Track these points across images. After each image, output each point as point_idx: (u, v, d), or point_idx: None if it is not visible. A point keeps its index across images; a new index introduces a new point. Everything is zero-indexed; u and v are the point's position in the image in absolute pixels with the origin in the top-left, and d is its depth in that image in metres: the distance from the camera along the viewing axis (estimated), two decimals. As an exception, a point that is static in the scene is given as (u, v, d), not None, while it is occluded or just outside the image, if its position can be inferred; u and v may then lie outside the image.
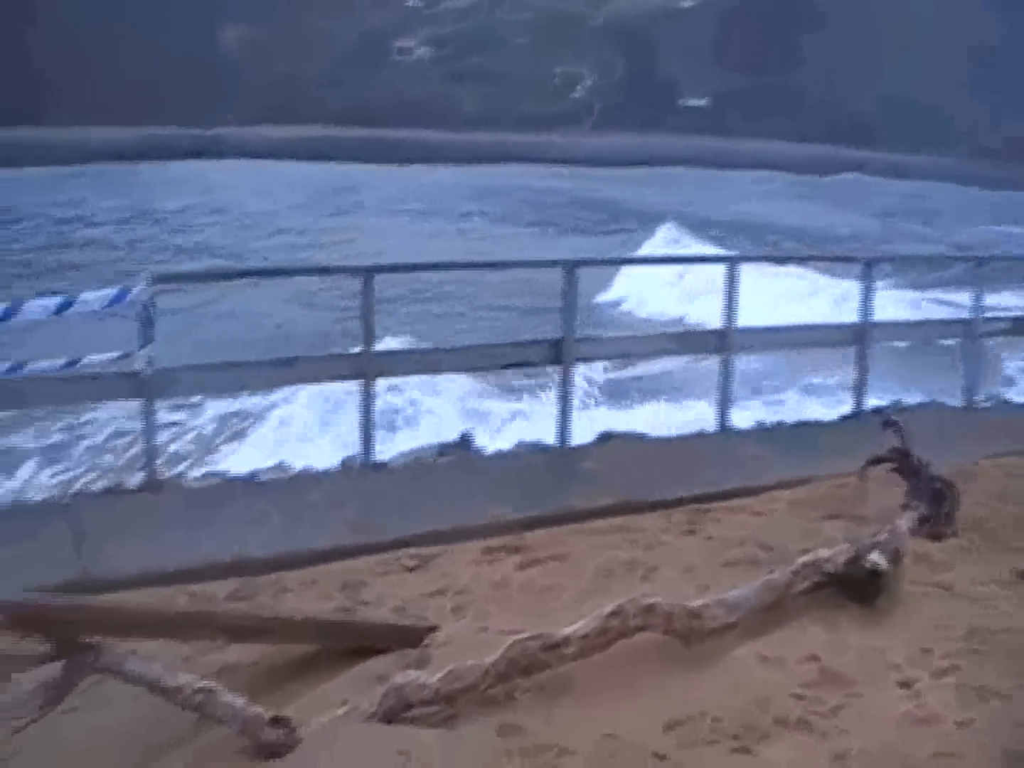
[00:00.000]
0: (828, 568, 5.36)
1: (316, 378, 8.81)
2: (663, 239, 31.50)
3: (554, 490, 7.59)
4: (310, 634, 4.91)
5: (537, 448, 9.21)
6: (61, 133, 63.48)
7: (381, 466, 8.43)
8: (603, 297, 23.48)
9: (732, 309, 9.55)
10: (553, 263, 9.18)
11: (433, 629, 5.12)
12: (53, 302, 7.83)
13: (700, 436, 9.70)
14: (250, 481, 8.18)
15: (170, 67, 76.24)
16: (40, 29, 73.87)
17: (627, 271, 23.61)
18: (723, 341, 9.69)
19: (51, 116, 67.10)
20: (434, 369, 9.50)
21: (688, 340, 10.14)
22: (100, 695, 4.57)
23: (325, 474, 8.35)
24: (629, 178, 59.16)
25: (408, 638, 5.03)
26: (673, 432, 10.14)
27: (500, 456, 9.00)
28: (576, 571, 6.00)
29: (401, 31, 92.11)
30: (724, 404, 9.73)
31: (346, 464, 8.62)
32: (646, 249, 28.98)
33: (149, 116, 68.47)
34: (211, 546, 6.30)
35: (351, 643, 4.97)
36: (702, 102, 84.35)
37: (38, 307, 7.83)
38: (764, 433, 9.80)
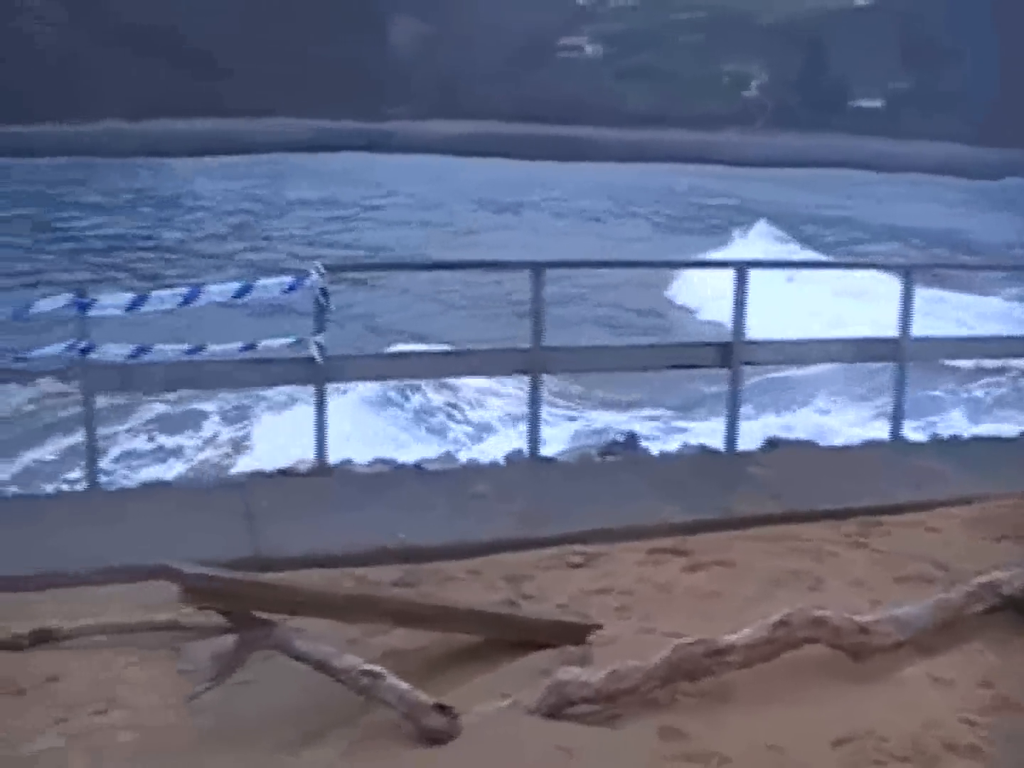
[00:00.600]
0: (1005, 591, 5.14)
1: (483, 371, 8.86)
2: (757, 239, 30.57)
3: (720, 494, 7.46)
4: (474, 624, 4.94)
5: (703, 451, 9.10)
6: (239, 124, 65.71)
7: (547, 461, 8.44)
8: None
9: (907, 318, 9.23)
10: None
11: (597, 627, 5.09)
12: (233, 287, 8.08)
13: (871, 446, 9.43)
14: (418, 469, 8.29)
15: (344, 61, 77.94)
16: (219, 23, 76.38)
17: (689, 274, 22.00)
18: (897, 350, 9.40)
19: (230, 107, 69.42)
20: (600, 367, 9.45)
21: (861, 347, 9.84)
22: (270, 670, 4.68)
23: (492, 466, 8.41)
24: (790, 179, 57.92)
25: (571, 635, 5.01)
26: (840, 439, 9.88)
27: (666, 458, 8.92)
28: (742, 578, 5.90)
29: (570, 28, 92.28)
30: (897, 414, 9.43)
31: (512, 457, 8.67)
32: (736, 250, 27.95)
33: (323, 109, 70.25)
34: (377, 532, 6.39)
35: (514, 636, 4.98)
36: (876, 103, 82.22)
37: (219, 291, 8.09)
38: (939, 446, 9.46)
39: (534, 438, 8.30)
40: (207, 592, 4.44)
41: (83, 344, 7.47)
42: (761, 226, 33.38)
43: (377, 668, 4.32)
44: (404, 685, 4.25)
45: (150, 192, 46.70)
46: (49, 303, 7.82)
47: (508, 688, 4.47)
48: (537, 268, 8.43)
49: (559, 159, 61.90)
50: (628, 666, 4.38)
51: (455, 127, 70.26)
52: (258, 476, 8.16)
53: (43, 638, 5.21)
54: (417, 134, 67.54)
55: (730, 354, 8.76)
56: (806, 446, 9.56)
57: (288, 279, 8.03)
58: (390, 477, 8.11)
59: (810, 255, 26.16)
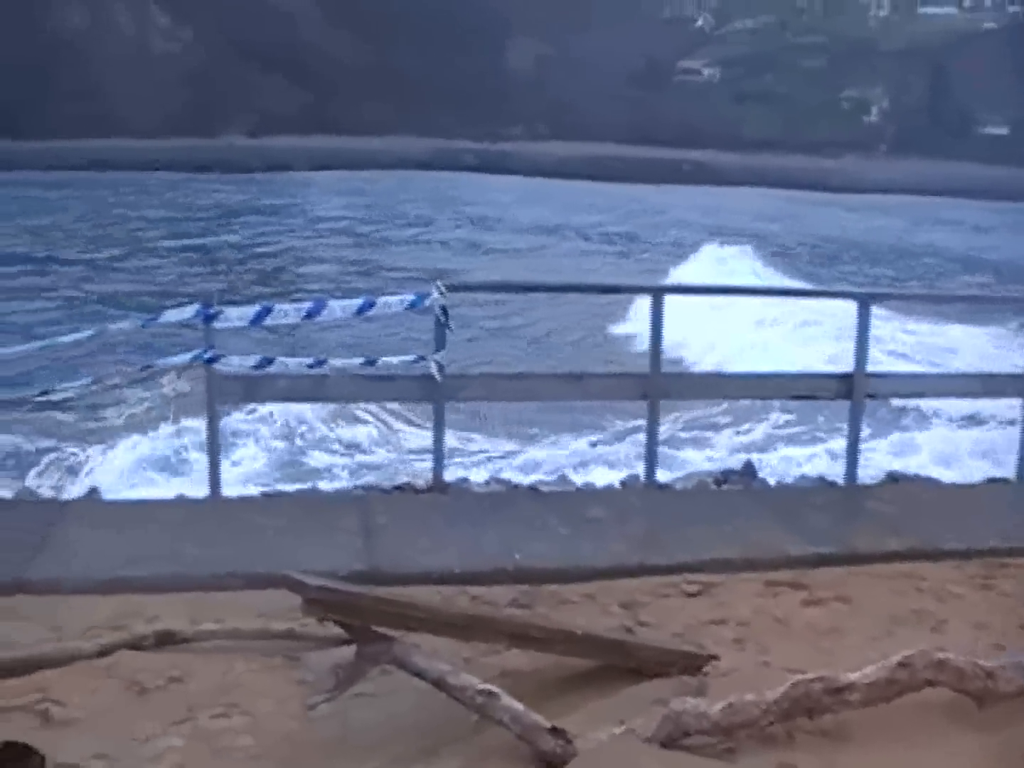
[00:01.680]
0: None
1: (601, 395, 8.84)
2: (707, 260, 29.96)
3: (840, 528, 7.32)
4: (590, 649, 4.92)
5: (822, 483, 8.95)
6: (358, 142, 66.83)
7: (663, 487, 8.39)
8: (618, 329, 21.52)
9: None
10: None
11: (713, 658, 5.04)
12: (356, 303, 8.21)
13: (995, 484, 9.17)
14: (533, 490, 8.31)
15: (462, 81, 78.73)
16: (339, 43, 77.74)
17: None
18: (1027, 387, 9.13)
19: (349, 125, 70.64)
20: (721, 395, 9.37)
21: (987, 383, 9.58)
22: (387, 684, 4.73)
23: (607, 490, 8.39)
24: (896, 207, 56.73)
25: (688, 665, 4.97)
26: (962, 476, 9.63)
27: (784, 488, 8.79)
28: (861, 615, 5.80)
29: (688, 52, 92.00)
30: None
31: (627, 482, 8.64)
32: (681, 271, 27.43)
33: (441, 128, 71.04)
34: (493, 551, 6.41)
35: (629, 663, 4.95)
36: (1002, 130, 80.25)
37: (342, 307, 8.22)
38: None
39: (651, 464, 8.25)
40: (328, 604, 4.51)
41: (209, 354, 7.66)
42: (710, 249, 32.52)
43: (493, 688, 4.34)
44: (519, 706, 4.26)
45: (268, 206, 47.78)
46: (177, 313, 8.04)
47: (623, 715, 4.45)
48: (657, 293, 8.40)
49: (674, 183, 61.67)
50: (745, 699, 4.32)
51: (570, 149, 70.47)
52: (376, 491, 8.26)
53: (166, 640, 5.33)
54: (532, 155, 67.90)
55: (852, 386, 8.60)
56: (927, 482, 9.34)
57: (410, 296, 8.12)
58: (505, 497, 8.14)
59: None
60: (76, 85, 73.35)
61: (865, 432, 9.16)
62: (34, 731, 4.49)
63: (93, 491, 8.78)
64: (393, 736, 4.54)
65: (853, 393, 8.59)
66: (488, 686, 4.34)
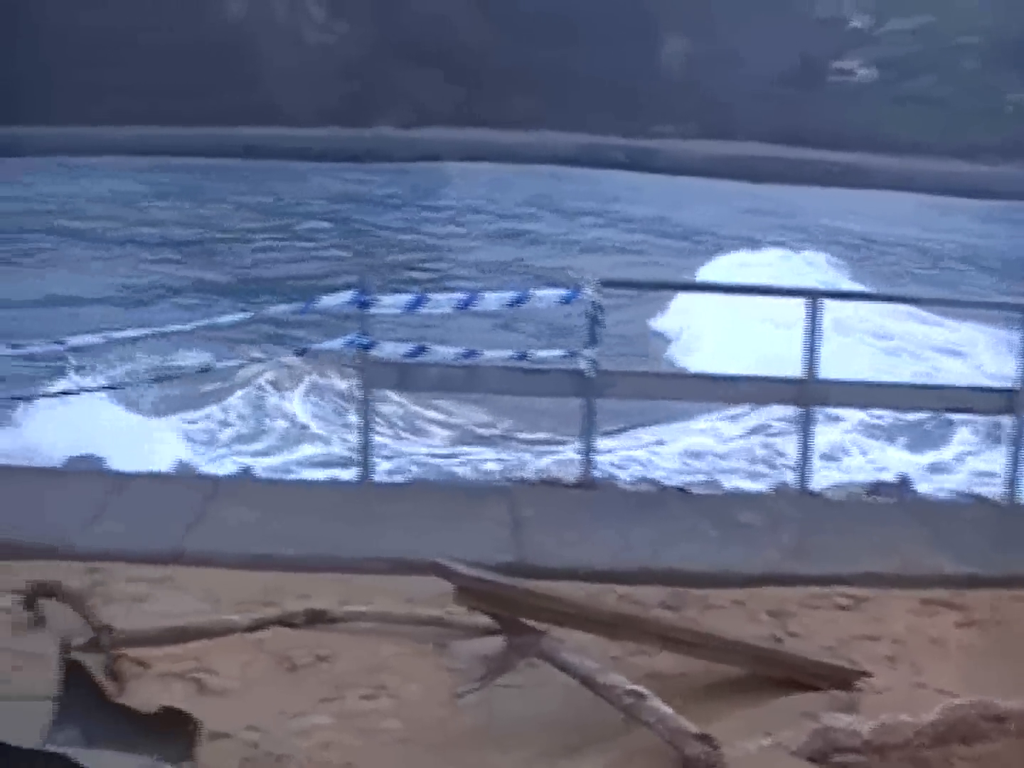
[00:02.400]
0: None
1: (752, 399, 8.70)
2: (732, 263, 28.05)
3: (999, 549, 7.05)
4: (740, 657, 4.84)
5: (980, 501, 8.65)
6: (507, 135, 67.21)
7: (816, 495, 8.22)
8: (657, 324, 20.95)
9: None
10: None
11: (866, 675, 4.91)
12: (509, 295, 8.24)
13: None
14: (682, 492, 8.23)
15: (613, 77, 78.47)
16: (490, 37, 78.24)
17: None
18: None
19: (499, 118, 71.02)
20: (877, 403, 9.14)
21: None
22: (534, 677, 4.73)
23: (758, 495, 8.26)
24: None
25: (839, 680, 4.85)
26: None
27: (941, 504, 8.53)
28: (1021, 641, 5.58)
29: (842, 52, 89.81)
30: None
31: (780, 488, 8.49)
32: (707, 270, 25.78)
33: (590, 124, 70.95)
34: (641, 551, 6.36)
35: (779, 673, 4.86)
36: None
37: (496, 298, 8.26)
38: None
39: (804, 470, 8.08)
40: (479, 594, 4.53)
41: (364, 340, 7.77)
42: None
43: (641, 689, 4.30)
44: (667, 709, 4.21)
45: (418, 196, 48.39)
46: (333, 299, 8.18)
47: (771, 726, 4.37)
48: (814, 296, 8.22)
49: (823, 184, 60.37)
50: (899, 720, 4.21)
51: (718, 148, 69.55)
52: (523, 483, 8.29)
53: (316, 618, 5.42)
54: (681, 153, 67.24)
55: (1014, 401, 8.29)
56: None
57: (563, 291, 8.11)
58: (654, 497, 8.08)
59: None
60: (234, 74, 75.28)
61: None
62: (189, 698, 4.62)
63: (247, 470, 9.01)
64: (539, 730, 4.54)
65: (1016, 408, 8.28)
66: (636, 687, 4.30)
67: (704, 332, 18.53)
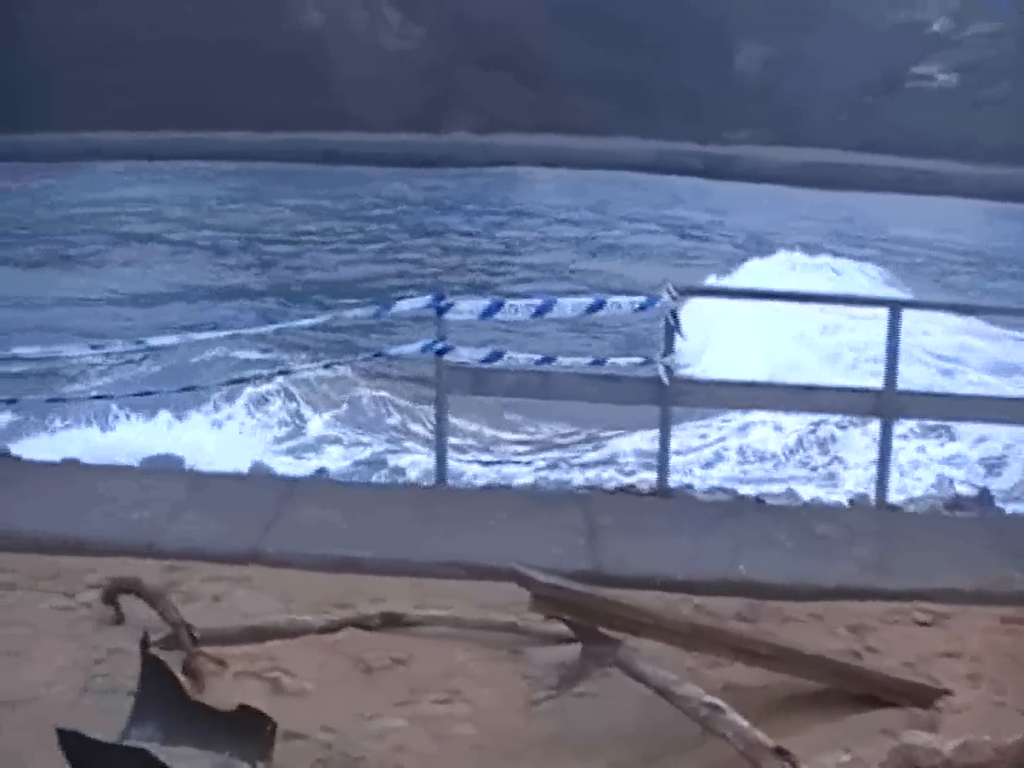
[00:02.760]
0: None
1: (830, 409, 8.58)
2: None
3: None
4: (818, 671, 4.78)
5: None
6: (582, 141, 67.17)
7: (894, 508, 8.09)
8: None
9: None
10: None
11: (946, 693, 4.82)
12: (586, 302, 8.21)
13: None
14: (759, 502, 8.13)
15: (688, 84, 78.08)
16: (566, 43, 78.31)
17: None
18: None
19: (573, 124, 71.02)
20: (958, 416, 8.97)
21: None
22: (609, 686, 4.70)
23: (836, 507, 8.15)
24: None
25: (919, 697, 4.77)
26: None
27: (1020, 519, 8.34)
28: (1104, 662, 5.44)
29: (922, 57, 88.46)
30: None
31: (856, 501, 8.37)
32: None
33: (665, 130, 70.67)
34: (718, 561, 6.30)
35: (857, 689, 4.79)
36: None
37: (572, 305, 8.24)
38: None
39: (882, 483, 7.95)
40: (556, 602, 4.52)
41: (440, 345, 7.79)
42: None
43: (718, 701, 4.25)
44: (744, 722, 4.16)
45: (493, 201, 48.54)
46: (409, 304, 8.23)
47: (849, 742, 4.30)
48: (895, 307, 8.09)
49: (901, 191, 59.44)
50: (981, 740, 4.11)
51: (795, 155, 68.76)
52: (599, 491, 8.25)
53: (392, 621, 5.45)
54: (757, 161, 66.59)
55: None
56: None
57: (640, 298, 8.06)
58: (730, 507, 7.99)
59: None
60: (311, 81, 76.14)
61: None
62: (266, 698, 4.66)
63: (322, 471, 9.08)
64: (614, 740, 4.52)
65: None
66: (713, 699, 4.26)
67: (713, 338, 18.34)
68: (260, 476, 8.47)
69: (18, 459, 8.70)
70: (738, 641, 4.75)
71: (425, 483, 8.24)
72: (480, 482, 9.30)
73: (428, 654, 5.19)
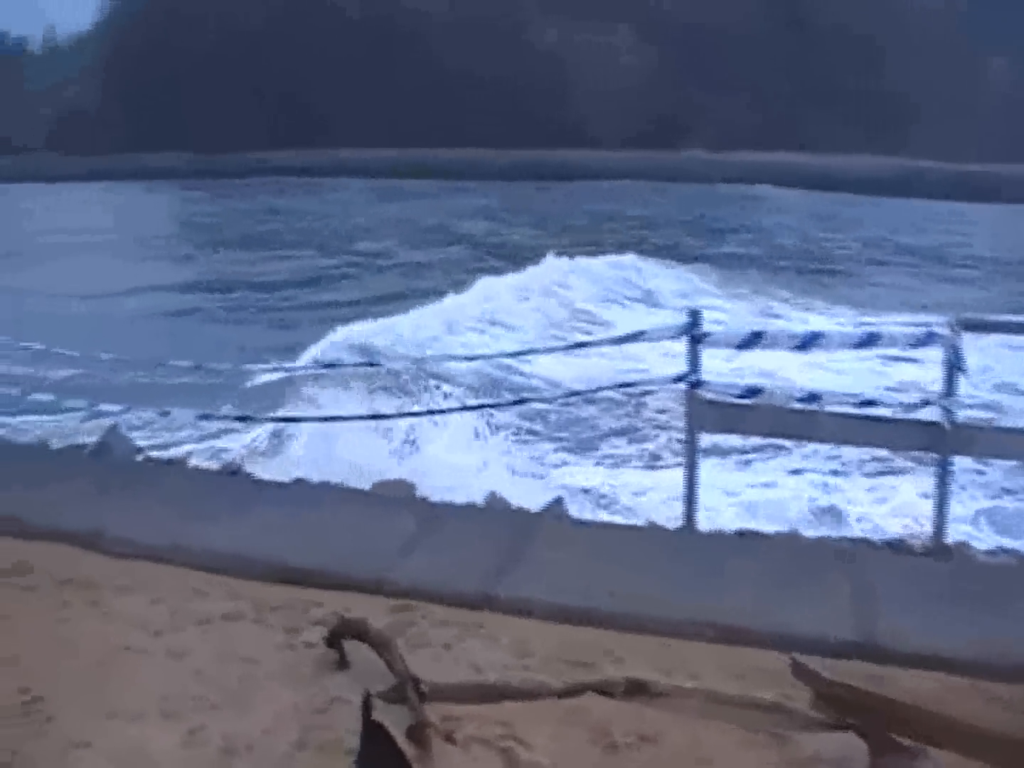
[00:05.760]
0: None
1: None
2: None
3: None
4: None
5: None
6: (817, 160, 65.48)
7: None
8: None
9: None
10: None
11: None
12: (856, 334, 7.49)
13: None
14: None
15: (934, 98, 75.27)
16: (799, 62, 76.70)
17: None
18: None
19: (813, 142, 69.49)
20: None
21: None
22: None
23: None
24: None
25: None
26: None
27: None
28: None
29: None
30: None
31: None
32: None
33: (911, 148, 68.18)
34: (1006, 640, 5.40)
35: None
36: None
37: (840, 338, 7.55)
38: None
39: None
40: (844, 703, 3.86)
41: (694, 377, 7.19)
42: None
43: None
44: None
45: (724, 218, 47.73)
46: (661, 332, 7.73)
47: None
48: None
49: None
50: None
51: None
52: (867, 545, 7.44)
53: (638, 690, 4.86)
54: (1012, 178, 63.04)
55: None
56: None
57: (919, 331, 7.24)
58: (1017, 571, 7.02)
59: None
60: (549, 99, 77.24)
61: None
62: (494, 770, 4.19)
63: (558, 501, 8.60)
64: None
65: None
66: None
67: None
68: (495, 509, 8.04)
69: (250, 477, 8.61)
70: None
71: (670, 525, 7.62)
72: (732, 524, 8.57)
73: (677, 731, 4.59)
